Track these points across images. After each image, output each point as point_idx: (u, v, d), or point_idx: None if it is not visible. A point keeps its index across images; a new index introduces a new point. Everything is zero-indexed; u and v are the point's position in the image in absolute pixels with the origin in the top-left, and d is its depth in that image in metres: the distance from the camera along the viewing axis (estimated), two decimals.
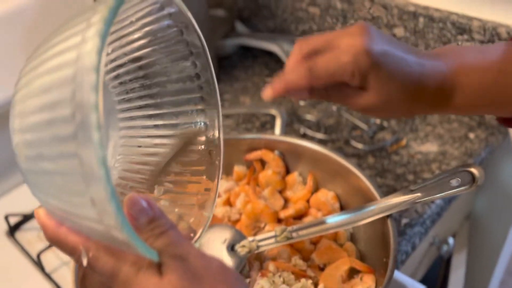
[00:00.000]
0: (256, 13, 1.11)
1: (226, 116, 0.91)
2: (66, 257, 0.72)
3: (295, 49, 0.45)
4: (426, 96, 0.45)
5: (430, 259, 0.86)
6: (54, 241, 0.36)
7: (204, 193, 0.51)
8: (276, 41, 1.02)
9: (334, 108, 0.88)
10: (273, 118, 0.88)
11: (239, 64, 1.07)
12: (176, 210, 0.50)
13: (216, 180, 0.51)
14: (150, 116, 0.51)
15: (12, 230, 0.76)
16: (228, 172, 0.71)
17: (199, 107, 0.51)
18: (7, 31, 0.76)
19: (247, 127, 0.89)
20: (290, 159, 0.68)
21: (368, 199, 0.58)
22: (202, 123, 0.51)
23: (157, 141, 0.51)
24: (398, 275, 0.62)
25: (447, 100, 0.45)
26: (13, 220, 0.76)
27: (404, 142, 0.81)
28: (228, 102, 0.97)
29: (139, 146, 0.51)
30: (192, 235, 0.48)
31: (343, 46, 0.43)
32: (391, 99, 0.44)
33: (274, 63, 1.06)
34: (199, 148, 0.52)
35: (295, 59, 0.45)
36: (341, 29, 0.45)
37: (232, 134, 0.85)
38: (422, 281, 0.78)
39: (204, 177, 0.51)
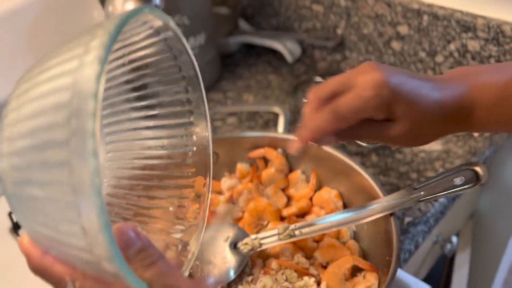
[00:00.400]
0: (259, 11, 1.11)
1: (229, 114, 0.91)
2: None
3: (310, 96, 0.46)
4: (449, 117, 0.45)
5: (433, 257, 0.85)
6: (39, 271, 0.36)
7: (192, 221, 0.50)
8: (280, 39, 1.02)
9: None
10: (276, 116, 0.88)
11: (242, 62, 1.07)
12: (163, 238, 0.49)
13: (205, 203, 0.50)
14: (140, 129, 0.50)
15: (16, 227, 0.76)
16: (231, 169, 0.71)
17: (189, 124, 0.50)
18: (10, 30, 0.76)
19: (250, 125, 0.88)
20: (293, 157, 0.68)
21: (372, 198, 0.58)
22: (192, 140, 0.50)
23: (146, 161, 0.50)
24: (401, 273, 0.62)
25: (468, 118, 0.46)
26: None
27: None
28: (231, 100, 0.96)
29: (127, 167, 0.50)
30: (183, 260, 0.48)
31: (361, 84, 0.43)
32: (419, 125, 0.45)
33: (278, 61, 1.06)
34: (187, 172, 0.51)
35: (313, 106, 0.45)
36: (350, 69, 0.46)
37: (235, 132, 0.85)
38: (425, 279, 0.78)
39: (192, 203, 0.50)
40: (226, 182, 0.69)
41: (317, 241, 0.61)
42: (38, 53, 0.78)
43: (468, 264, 0.88)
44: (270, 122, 0.88)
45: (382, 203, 0.54)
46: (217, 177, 0.71)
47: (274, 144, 0.68)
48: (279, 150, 0.68)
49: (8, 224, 0.76)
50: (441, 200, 0.71)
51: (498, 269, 0.95)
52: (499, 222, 0.93)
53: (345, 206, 0.64)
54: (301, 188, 0.67)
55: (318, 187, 0.67)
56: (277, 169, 0.67)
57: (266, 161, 0.70)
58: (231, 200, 0.68)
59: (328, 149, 0.64)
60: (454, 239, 0.81)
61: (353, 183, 0.62)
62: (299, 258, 0.58)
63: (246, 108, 0.86)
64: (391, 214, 0.54)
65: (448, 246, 0.80)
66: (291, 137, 0.67)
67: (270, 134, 0.68)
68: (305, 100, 0.46)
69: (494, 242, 0.93)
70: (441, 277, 0.95)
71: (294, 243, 0.60)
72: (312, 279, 0.55)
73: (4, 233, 0.75)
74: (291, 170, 0.69)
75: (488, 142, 0.79)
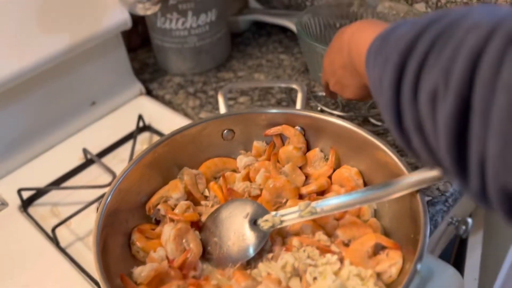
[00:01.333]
0: None
1: (240, 94, 0.90)
2: (81, 232, 0.71)
3: None
4: (350, 66, 0.56)
5: (447, 239, 0.85)
6: None
7: None
8: (291, 17, 1.00)
9: None
10: (289, 95, 0.87)
11: (253, 42, 1.05)
12: None
13: None
14: None
15: (25, 204, 0.75)
16: (247, 147, 0.70)
17: None
18: (18, 4, 0.74)
19: (262, 105, 0.87)
20: (311, 135, 0.67)
21: (394, 175, 0.57)
22: None
23: None
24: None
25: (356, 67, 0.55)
26: (26, 195, 0.75)
27: None
28: (242, 79, 0.95)
29: None
30: None
31: None
32: (341, 79, 0.60)
33: (288, 40, 1.04)
34: None
35: None
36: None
37: (252, 108, 0.83)
38: None
39: None
40: (242, 160, 0.68)
41: (338, 219, 0.60)
42: (47, 28, 0.76)
43: (480, 245, 0.88)
44: (283, 101, 0.87)
45: (409, 179, 0.53)
46: (233, 155, 0.69)
47: (292, 121, 0.67)
48: (297, 127, 0.67)
49: (18, 201, 0.74)
50: None
51: (508, 252, 0.94)
52: None
53: (365, 185, 0.63)
54: (319, 166, 0.66)
55: (337, 165, 0.65)
56: (295, 147, 0.66)
57: (282, 139, 0.68)
58: (248, 178, 0.66)
59: (348, 125, 0.62)
60: (469, 220, 0.80)
61: (375, 161, 0.61)
62: (320, 235, 0.57)
63: (262, 84, 0.84)
64: (417, 191, 0.53)
65: (463, 227, 0.80)
66: (310, 113, 0.65)
67: (288, 110, 0.67)
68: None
69: (505, 225, 0.92)
70: (450, 258, 0.95)
71: (314, 221, 0.59)
72: (335, 257, 0.54)
73: (14, 211, 0.74)
74: (309, 148, 0.68)
75: None
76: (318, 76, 0.78)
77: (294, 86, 0.72)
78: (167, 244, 0.58)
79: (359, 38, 0.51)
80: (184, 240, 0.59)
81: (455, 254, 0.91)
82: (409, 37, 0.38)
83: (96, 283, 0.62)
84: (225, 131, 0.68)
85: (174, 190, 0.63)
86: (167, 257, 0.58)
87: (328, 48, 0.61)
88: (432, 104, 0.34)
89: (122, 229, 0.60)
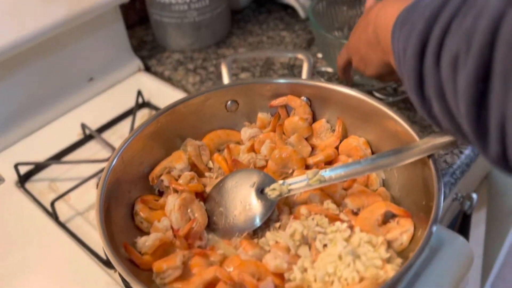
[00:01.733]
0: None
1: (241, 70, 0.88)
2: (81, 207, 0.69)
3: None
4: (375, 43, 0.55)
5: (451, 215, 0.84)
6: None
7: None
8: None
9: None
10: (291, 71, 0.85)
11: (253, 19, 1.03)
12: None
13: None
14: None
15: (22, 180, 0.73)
16: (251, 119, 0.68)
17: None
18: None
19: None
20: (317, 106, 0.66)
21: (404, 144, 0.56)
22: None
23: None
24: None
25: (379, 43, 0.54)
26: (23, 170, 0.73)
27: None
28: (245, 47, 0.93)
29: None
30: None
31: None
32: (365, 55, 0.59)
33: (289, 17, 1.02)
34: None
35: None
36: None
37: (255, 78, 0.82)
38: None
39: None
40: (246, 132, 0.66)
41: (346, 188, 0.59)
42: None
43: (484, 223, 0.87)
44: (285, 76, 0.85)
45: (421, 145, 0.52)
46: (236, 127, 0.68)
47: (297, 91, 0.65)
48: (303, 97, 0.65)
49: (15, 177, 0.72)
50: (467, 152, 0.69)
51: (510, 229, 0.94)
52: None
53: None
54: (326, 137, 0.65)
55: (344, 136, 0.64)
56: (301, 118, 0.65)
57: (288, 109, 0.67)
58: (252, 150, 0.65)
59: (356, 93, 0.61)
60: (474, 196, 0.79)
61: (383, 130, 0.60)
62: (329, 204, 0.56)
63: (268, 54, 0.82)
64: (429, 157, 0.52)
65: (468, 203, 0.79)
66: (316, 83, 0.64)
67: (293, 80, 0.65)
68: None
69: (509, 201, 0.92)
70: None
71: (322, 190, 0.57)
72: (345, 224, 0.53)
73: (11, 186, 0.72)
74: (315, 119, 0.66)
75: None
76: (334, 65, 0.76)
77: (300, 55, 0.70)
78: (171, 214, 0.56)
79: (385, 13, 0.51)
80: (189, 210, 0.57)
81: (458, 231, 0.91)
82: (435, 5, 0.38)
83: (98, 256, 0.61)
84: (229, 102, 0.66)
85: (177, 161, 0.61)
86: (171, 227, 0.56)
87: (355, 26, 0.61)
88: (453, 68, 0.34)
89: (125, 200, 0.58)
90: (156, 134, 0.62)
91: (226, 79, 0.69)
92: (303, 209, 0.55)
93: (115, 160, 0.56)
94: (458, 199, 0.80)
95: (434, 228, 0.46)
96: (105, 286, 0.58)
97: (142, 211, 0.57)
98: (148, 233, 0.56)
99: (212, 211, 0.58)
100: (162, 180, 0.61)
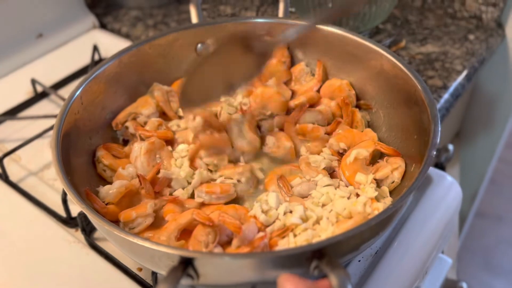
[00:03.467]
0: None
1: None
2: (33, 167, 0.62)
3: None
4: None
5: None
6: None
7: None
8: None
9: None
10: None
11: None
12: None
13: None
14: None
15: None
16: None
17: None
18: None
19: None
20: (295, 49, 0.61)
21: (392, 79, 0.52)
22: None
23: None
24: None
25: None
26: None
27: (403, 43, 0.76)
28: (207, 11, 0.87)
29: None
30: None
31: None
32: None
33: None
34: None
35: None
36: None
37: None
38: None
39: None
40: None
41: (329, 133, 0.55)
42: None
43: (458, 178, 0.86)
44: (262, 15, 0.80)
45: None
46: None
47: (274, 31, 0.60)
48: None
49: None
50: (446, 96, 0.67)
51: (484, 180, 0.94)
52: (485, 138, 0.92)
53: (358, 98, 0.58)
54: (305, 82, 0.60)
55: (325, 79, 0.60)
56: (278, 60, 0.60)
57: None
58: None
59: (340, 31, 0.57)
60: (450, 147, 0.77)
61: (368, 69, 0.56)
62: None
63: None
64: (418, 83, 0.48)
65: (444, 155, 0.77)
66: (296, 21, 0.59)
67: (269, 19, 0.60)
68: None
69: (480, 153, 0.92)
70: None
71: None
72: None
73: None
74: (293, 64, 0.62)
75: (484, 44, 0.76)
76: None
77: None
78: (137, 160, 0.51)
79: None
80: (157, 156, 0.52)
81: None
82: None
83: (56, 215, 0.54)
84: (199, 45, 0.61)
85: (144, 106, 0.56)
86: (137, 175, 0.50)
87: None
88: None
89: (85, 146, 0.52)
90: (119, 76, 0.56)
91: (194, 19, 0.63)
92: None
93: (72, 99, 0.50)
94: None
95: (434, 152, 0.42)
96: (67, 245, 0.51)
97: (104, 158, 0.51)
98: (111, 183, 0.50)
99: None
100: (127, 127, 0.55)
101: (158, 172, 0.50)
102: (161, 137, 0.53)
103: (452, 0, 0.81)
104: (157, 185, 0.50)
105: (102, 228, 0.40)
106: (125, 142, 0.56)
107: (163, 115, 0.58)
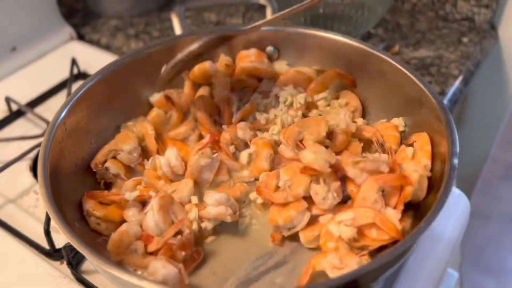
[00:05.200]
0: None
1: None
2: (11, 193, 0.57)
3: None
4: None
5: None
6: None
7: None
8: None
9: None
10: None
11: None
12: None
13: None
14: None
15: None
16: None
17: None
18: None
19: None
20: (288, 55, 0.58)
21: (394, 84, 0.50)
22: None
23: None
24: None
25: None
26: None
27: (397, 48, 0.74)
28: (190, 19, 0.83)
29: None
30: None
31: None
32: None
33: None
34: None
35: None
36: None
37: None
38: None
39: None
40: None
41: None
42: None
43: None
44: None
45: None
46: None
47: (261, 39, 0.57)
48: (270, 47, 0.58)
49: None
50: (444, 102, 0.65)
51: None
52: (478, 139, 0.90)
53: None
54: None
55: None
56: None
57: None
58: None
59: (337, 37, 0.54)
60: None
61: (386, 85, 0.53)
62: None
63: (224, 2, 0.73)
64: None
65: None
66: (284, 28, 0.56)
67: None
68: None
69: (474, 154, 0.90)
70: None
71: None
72: None
73: None
74: None
75: (479, 47, 0.74)
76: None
77: (262, 1, 0.62)
78: (149, 217, 0.45)
79: None
80: (171, 212, 0.46)
81: None
82: None
83: (38, 248, 0.50)
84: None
85: (124, 141, 0.51)
86: (144, 236, 0.45)
87: None
88: None
89: (71, 179, 0.47)
90: (103, 96, 0.52)
91: (178, 30, 0.59)
92: None
93: (55, 126, 0.45)
94: None
95: (456, 161, 0.40)
96: (51, 281, 0.47)
97: (95, 210, 0.46)
98: (107, 236, 0.45)
99: None
100: (107, 168, 0.50)
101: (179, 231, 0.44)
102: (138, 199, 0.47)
103: (443, 2, 0.79)
104: (187, 247, 0.43)
105: (103, 271, 0.36)
106: (106, 186, 0.51)
107: (144, 151, 0.53)
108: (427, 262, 0.46)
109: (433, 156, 0.45)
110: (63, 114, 0.47)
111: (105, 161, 0.50)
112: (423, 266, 0.46)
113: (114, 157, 0.51)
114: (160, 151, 0.52)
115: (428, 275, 0.46)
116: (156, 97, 0.55)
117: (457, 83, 0.68)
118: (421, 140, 0.47)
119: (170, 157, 0.50)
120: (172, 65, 0.52)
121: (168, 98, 0.53)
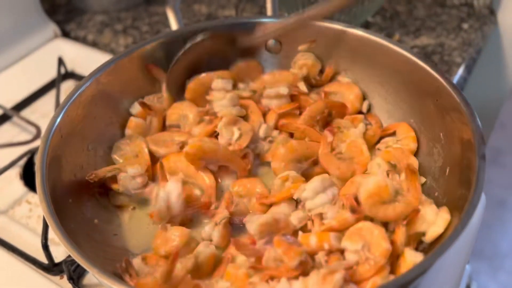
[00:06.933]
0: None
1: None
2: (1, 204, 0.54)
3: None
4: None
5: None
6: None
7: None
8: None
9: None
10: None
11: None
12: None
13: None
14: None
15: None
16: None
17: None
18: None
19: None
20: (289, 49, 0.55)
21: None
22: None
23: None
24: None
25: None
26: None
27: (397, 37, 0.71)
28: (182, 11, 0.80)
29: None
30: None
31: None
32: None
33: None
34: None
35: None
36: None
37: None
38: None
39: None
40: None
41: None
42: None
43: None
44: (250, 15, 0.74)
45: None
46: None
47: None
48: (271, 41, 0.55)
49: None
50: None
51: None
52: None
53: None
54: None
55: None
56: None
57: None
58: None
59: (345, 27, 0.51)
60: None
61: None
62: None
63: None
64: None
65: None
66: (287, 20, 0.53)
67: (258, 19, 0.54)
68: None
69: None
70: None
71: None
72: None
73: None
74: (288, 66, 0.56)
75: (480, 33, 0.72)
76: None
77: None
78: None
79: None
80: None
81: None
82: None
83: (35, 262, 0.47)
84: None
85: (132, 165, 0.47)
86: None
87: None
88: None
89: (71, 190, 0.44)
90: (98, 99, 0.48)
91: (174, 25, 0.56)
92: None
93: (51, 133, 0.42)
94: None
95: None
96: None
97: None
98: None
99: None
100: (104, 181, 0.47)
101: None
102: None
103: None
104: None
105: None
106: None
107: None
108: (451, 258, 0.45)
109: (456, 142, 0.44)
110: (58, 119, 0.43)
111: (103, 176, 0.46)
112: (444, 268, 0.44)
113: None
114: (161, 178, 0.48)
115: (453, 271, 0.44)
116: (136, 109, 0.51)
117: (460, 71, 0.66)
118: (402, 127, 0.49)
119: (171, 192, 0.44)
120: (175, 61, 0.49)
121: (143, 104, 0.50)
